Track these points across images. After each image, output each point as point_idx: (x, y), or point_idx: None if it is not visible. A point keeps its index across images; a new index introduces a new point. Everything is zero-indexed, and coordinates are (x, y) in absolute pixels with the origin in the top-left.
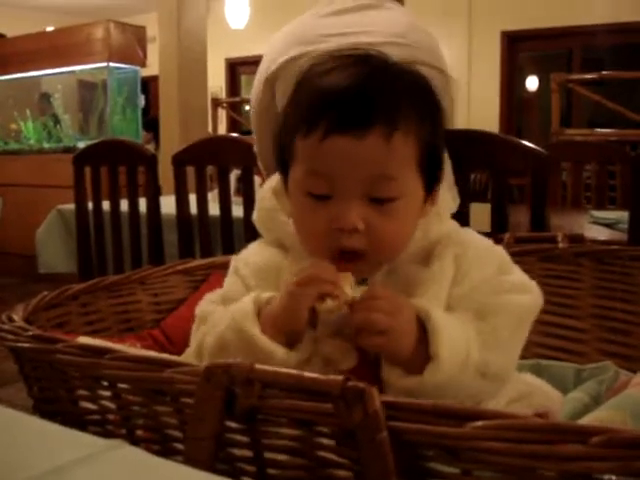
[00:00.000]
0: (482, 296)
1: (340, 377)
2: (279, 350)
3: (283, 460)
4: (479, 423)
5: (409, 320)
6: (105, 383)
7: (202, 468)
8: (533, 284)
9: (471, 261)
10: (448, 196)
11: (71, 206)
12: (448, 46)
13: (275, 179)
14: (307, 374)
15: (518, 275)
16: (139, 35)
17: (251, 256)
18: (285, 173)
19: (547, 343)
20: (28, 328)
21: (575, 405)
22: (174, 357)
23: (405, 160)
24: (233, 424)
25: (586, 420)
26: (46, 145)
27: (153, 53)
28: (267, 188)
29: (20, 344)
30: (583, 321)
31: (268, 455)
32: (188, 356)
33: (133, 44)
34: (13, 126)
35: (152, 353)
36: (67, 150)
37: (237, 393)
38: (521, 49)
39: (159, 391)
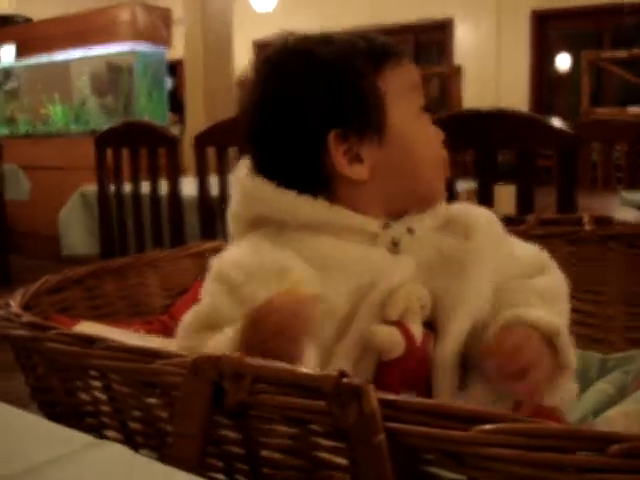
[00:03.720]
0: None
1: (334, 373)
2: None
3: (277, 458)
4: (486, 426)
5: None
6: (96, 373)
7: (190, 465)
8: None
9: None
10: None
11: (93, 188)
12: (477, 25)
13: (244, 164)
14: (299, 369)
15: (531, 248)
16: (165, 17)
17: (241, 256)
18: (366, 126)
19: (571, 330)
20: (22, 314)
21: (599, 397)
22: (168, 347)
23: None
24: (224, 420)
25: (611, 414)
26: (73, 127)
27: (178, 35)
28: (242, 173)
29: (12, 331)
30: (610, 307)
31: (261, 453)
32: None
33: (159, 26)
34: (42, 110)
35: (155, 339)
36: (94, 133)
37: (226, 388)
38: (551, 28)
39: (149, 383)
